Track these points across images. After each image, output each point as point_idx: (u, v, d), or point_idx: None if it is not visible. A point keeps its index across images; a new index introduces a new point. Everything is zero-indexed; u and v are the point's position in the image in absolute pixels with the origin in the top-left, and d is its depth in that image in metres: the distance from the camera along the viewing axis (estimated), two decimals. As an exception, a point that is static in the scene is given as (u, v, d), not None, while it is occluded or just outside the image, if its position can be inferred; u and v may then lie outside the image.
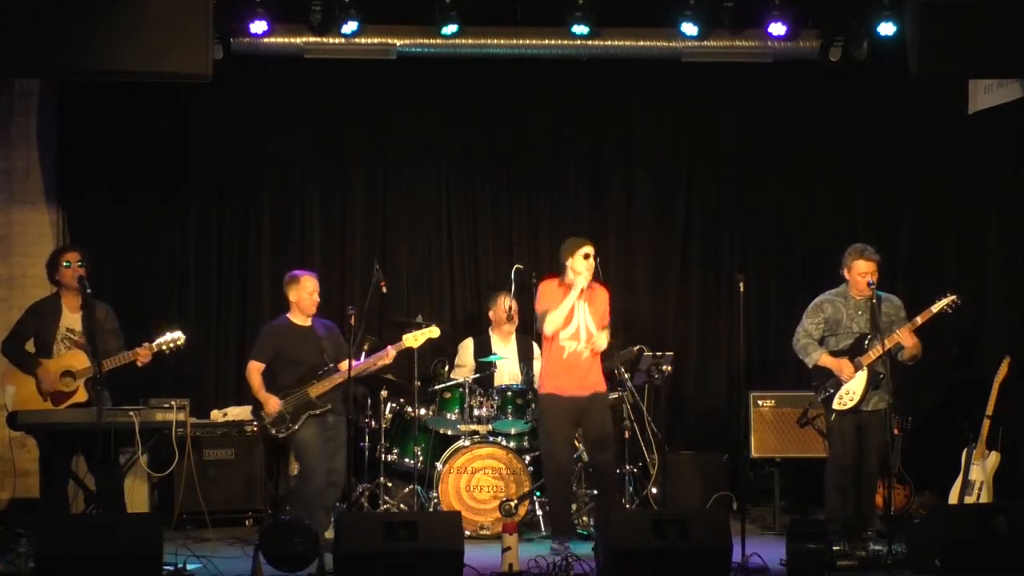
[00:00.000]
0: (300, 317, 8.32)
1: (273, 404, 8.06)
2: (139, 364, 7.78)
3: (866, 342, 7.88)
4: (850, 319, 7.98)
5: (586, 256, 7.97)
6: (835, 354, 7.94)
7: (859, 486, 7.92)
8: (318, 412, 8.07)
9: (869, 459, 7.90)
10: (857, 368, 7.86)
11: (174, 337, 7.82)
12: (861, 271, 7.93)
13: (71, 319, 7.83)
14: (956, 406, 9.38)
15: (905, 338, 7.83)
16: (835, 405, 7.90)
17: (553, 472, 8.11)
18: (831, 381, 7.92)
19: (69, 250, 8.03)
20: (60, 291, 7.90)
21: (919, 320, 7.83)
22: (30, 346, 7.91)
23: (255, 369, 8.21)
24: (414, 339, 8.32)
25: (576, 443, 8.54)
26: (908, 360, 8.05)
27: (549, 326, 7.94)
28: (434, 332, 8.43)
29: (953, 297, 7.81)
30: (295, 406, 8.07)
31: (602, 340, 7.99)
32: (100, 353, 7.54)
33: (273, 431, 8.13)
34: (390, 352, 8.25)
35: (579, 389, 7.99)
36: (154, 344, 7.77)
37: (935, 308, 7.83)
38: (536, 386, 8.53)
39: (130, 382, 8.33)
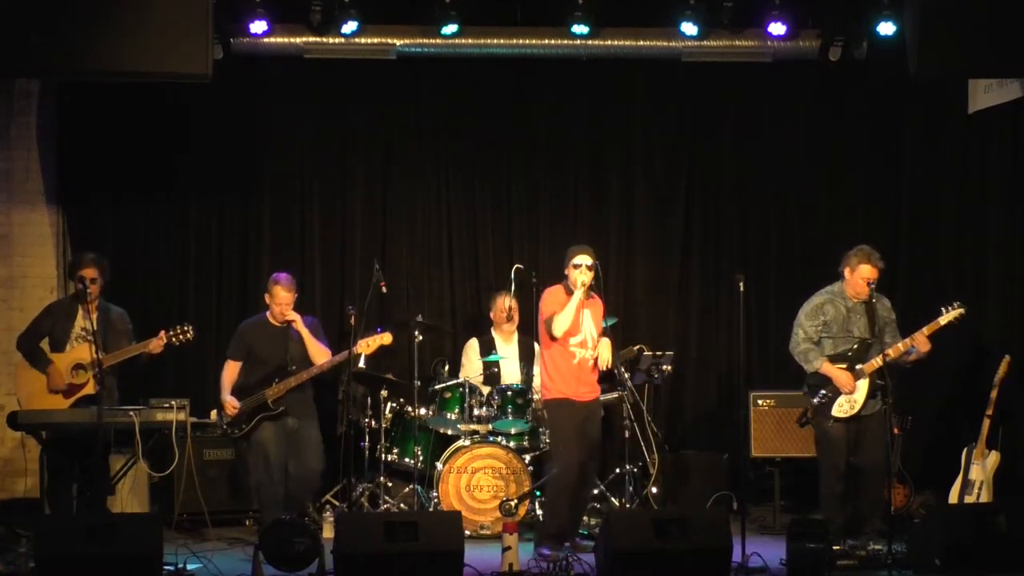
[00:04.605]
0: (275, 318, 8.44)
1: (228, 408, 8.24)
2: (154, 352, 7.90)
3: (870, 350, 7.79)
4: (848, 322, 7.87)
5: (575, 267, 7.84)
6: (834, 358, 7.85)
7: (858, 486, 7.84)
8: (272, 414, 8.17)
9: (871, 458, 7.77)
10: (858, 377, 7.77)
11: (184, 328, 7.95)
12: (865, 276, 7.80)
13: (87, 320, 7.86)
14: (956, 406, 9.39)
15: (922, 344, 7.76)
16: (834, 412, 7.80)
17: (566, 472, 7.92)
18: (830, 387, 7.82)
19: (87, 266, 7.97)
20: (78, 293, 7.93)
21: (926, 332, 7.75)
22: (44, 344, 8.01)
23: (229, 368, 8.37)
24: (366, 346, 8.36)
25: None
26: (914, 363, 8.01)
27: (558, 328, 7.77)
28: (386, 339, 8.44)
29: (961, 311, 7.75)
30: (251, 408, 8.21)
31: (605, 351, 7.86)
32: (107, 347, 7.70)
33: (229, 430, 8.31)
34: (335, 358, 8.28)
35: (588, 394, 7.93)
36: (167, 334, 7.89)
37: (943, 320, 7.75)
38: (536, 390, 8.55)
39: (131, 383, 8.36)
